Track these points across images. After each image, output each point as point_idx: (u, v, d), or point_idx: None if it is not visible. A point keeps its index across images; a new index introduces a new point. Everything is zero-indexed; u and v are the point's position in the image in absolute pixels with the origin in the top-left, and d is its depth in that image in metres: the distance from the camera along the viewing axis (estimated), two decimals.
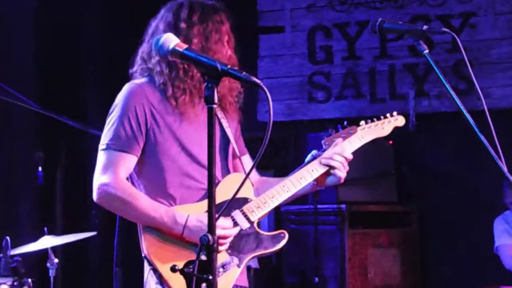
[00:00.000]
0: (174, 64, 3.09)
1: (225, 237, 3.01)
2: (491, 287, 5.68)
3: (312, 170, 3.21)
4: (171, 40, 2.54)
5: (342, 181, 3.22)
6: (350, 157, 3.23)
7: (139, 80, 3.17)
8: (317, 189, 3.29)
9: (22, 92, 4.54)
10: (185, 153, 3.11)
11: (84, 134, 4.66)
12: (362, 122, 3.38)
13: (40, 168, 5.55)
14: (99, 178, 3.05)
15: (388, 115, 3.46)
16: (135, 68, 3.23)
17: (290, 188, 3.18)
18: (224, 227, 3.02)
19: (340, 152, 3.21)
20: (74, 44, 6.86)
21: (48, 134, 6.30)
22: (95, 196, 3.06)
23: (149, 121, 3.08)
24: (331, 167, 3.20)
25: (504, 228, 6.01)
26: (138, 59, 3.22)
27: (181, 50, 2.53)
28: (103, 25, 7.04)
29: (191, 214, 2.99)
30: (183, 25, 3.10)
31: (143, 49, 3.22)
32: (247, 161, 3.34)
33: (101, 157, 3.07)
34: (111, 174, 3.03)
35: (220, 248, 3.00)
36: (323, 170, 3.21)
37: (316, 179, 3.23)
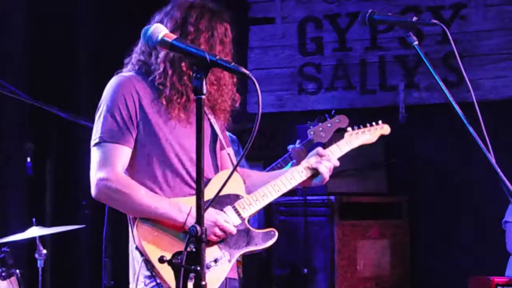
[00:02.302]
0: (178, 68, 3.06)
1: (225, 231, 3.04)
2: (479, 278, 5.68)
3: (302, 171, 3.27)
4: (160, 31, 2.53)
5: (326, 180, 3.32)
6: (337, 163, 3.33)
7: (127, 73, 3.15)
8: (300, 188, 3.42)
9: (12, 83, 4.52)
10: (175, 146, 3.10)
11: (74, 125, 4.65)
12: (349, 129, 3.50)
13: (29, 159, 5.54)
14: (97, 173, 3.02)
15: (374, 123, 3.59)
16: (132, 57, 3.19)
17: (281, 187, 3.23)
18: (227, 220, 3.06)
19: (329, 158, 3.30)
20: (66, 35, 6.82)
21: (38, 125, 6.27)
22: (94, 192, 3.03)
23: (139, 113, 3.07)
24: (318, 172, 3.28)
25: None
26: (138, 50, 3.18)
27: (170, 40, 2.52)
28: (95, 16, 7.01)
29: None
30: (191, 28, 3.08)
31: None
32: (231, 153, 3.35)
33: (96, 152, 3.05)
34: (108, 168, 3.01)
35: (215, 238, 3.03)
36: (310, 173, 3.29)
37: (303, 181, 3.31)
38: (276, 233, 3.20)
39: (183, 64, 3.05)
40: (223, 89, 3.18)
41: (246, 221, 3.14)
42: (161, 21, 3.08)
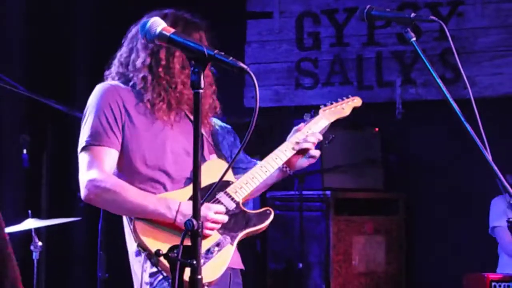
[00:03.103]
0: (157, 74, 3.13)
1: (217, 222, 3.05)
2: (474, 275, 5.70)
3: (285, 150, 3.30)
4: (158, 24, 2.53)
5: (317, 157, 3.33)
6: (320, 137, 3.35)
7: (111, 82, 3.21)
8: (289, 174, 3.38)
9: (9, 75, 4.52)
10: (163, 146, 3.14)
11: (70, 118, 4.65)
12: (322, 106, 3.53)
13: (25, 151, 5.53)
14: (86, 175, 3.05)
15: (344, 97, 3.62)
16: (111, 70, 3.25)
17: (268, 167, 3.25)
18: (218, 211, 3.05)
19: (309, 133, 3.33)
20: (63, 28, 6.82)
21: (34, 117, 6.27)
22: (83, 194, 3.05)
23: (124, 118, 3.11)
24: (304, 150, 3.30)
25: (503, 209, 5.94)
26: (116, 62, 3.25)
27: (168, 34, 2.52)
28: (93, 9, 7.01)
29: (183, 201, 3.01)
30: None
31: (121, 53, 3.25)
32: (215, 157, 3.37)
33: (83, 156, 3.09)
34: (96, 169, 3.03)
35: (210, 232, 3.04)
36: (293, 151, 3.31)
37: (288, 162, 3.31)
38: (272, 212, 3.23)
39: (160, 69, 3.13)
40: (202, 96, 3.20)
41: (240, 204, 3.17)
42: (136, 32, 3.13)
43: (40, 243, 4.87)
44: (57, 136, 6.65)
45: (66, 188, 6.51)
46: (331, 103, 3.54)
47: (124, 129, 3.10)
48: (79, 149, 3.10)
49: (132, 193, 3.03)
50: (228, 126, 4.97)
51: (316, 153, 3.32)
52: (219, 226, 3.06)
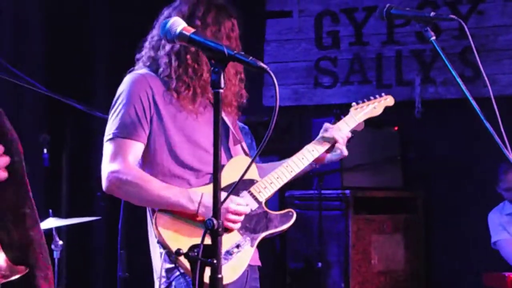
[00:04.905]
0: (184, 60, 3.11)
1: (239, 213, 3.04)
2: (492, 274, 5.68)
3: (313, 150, 3.29)
4: (179, 24, 2.54)
5: (345, 155, 3.32)
6: (349, 135, 3.35)
7: (141, 70, 3.18)
8: (316, 166, 3.36)
9: (29, 74, 4.54)
10: (189, 140, 3.13)
11: (90, 117, 4.67)
12: (354, 104, 3.49)
13: (45, 150, 5.56)
14: (108, 167, 3.04)
15: (377, 96, 3.58)
16: (142, 53, 3.24)
17: (294, 168, 3.24)
18: (239, 202, 3.05)
19: (340, 129, 3.34)
20: (83, 27, 6.86)
21: (54, 116, 6.31)
22: (105, 185, 3.05)
23: (152, 110, 3.09)
24: (334, 142, 3.30)
25: (499, 222, 5.98)
26: (147, 45, 3.23)
27: (188, 34, 2.52)
28: (112, 8, 7.03)
29: (205, 192, 3.00)
30: (198, 22, 3.11)
31: (153, 36, 3.23)
32: (244, 147, 3.39)
33: (108, 147, 3.07)
34: (120, 161, 3.03)
35: (234, 226, 3.04)
36: (323, 149, 3.31)
37: (316, 158, 3.31)
38: (294, 214, 3.22)
39: (188, 56, 3.10)
40: (227, 84, 3.19)
41: (263, 205, 3.16)
42: (169, 16, 3.12)
43: (61, 242, 4.90)
44: (76, 135, 6.69)
45: (86, 187, 6.55)
46: (363, 101, 3.51)
47: (152, 121, 3.09)
48: (105, 139, 3.09)
49: (154, 185, 3.02)
50: (246, 127, 4.99)
51: (344, 149, 3.31)
52: (241, 218, 3.05)
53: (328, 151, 3.32)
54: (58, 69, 6.43)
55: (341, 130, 3.35)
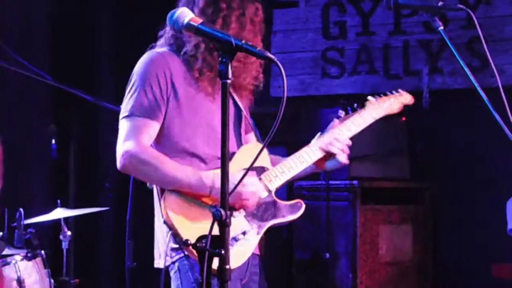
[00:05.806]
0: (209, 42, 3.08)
1: (254, 195, 3.03)
2: (501, 265, 5.67)
3: (316, 150, 3.26)
4: (186, 15, 2.54)
5: (344, 164, 3.27)
6: (348, 142, 3.28)
7: (160, 49, 3.16)
8: (318, 171, 3.34)
9: (36, 65, 4.55)
10: (203, 122, 3.12)
11: (97, 107, 4.68)
12: (370, 97, 3.47)
13: (53, 141, 5.57)
14: (123, 145, 3.03)
15: (393, 91, 3.54)
16: (165, 30, 3.19)
17: (306, 158, 3.22)
18: (254, 184, 3.03)
19: (338, 137, 3.27)
20: (88, 17, 6.86)
21: (61, 107, 6.31)
22: (119, 164, 3.04)
23: (169, 91, 3.08)
24: (331, 153, 3.25)
25: None
26: None
27: (196, 24, 2.52)
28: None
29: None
30: (223, 5, 3.10)
31: None
32: (253, 138, 3.37)
33: (124, 125, 3.06)
34: (134, 140, 3.01)
35: (247, 210, 3.04)
36: (320, 155, 3.26)
37: (316, 163, 3.27)
38: (303, 205, 3.21)
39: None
40: (248, 67, 3.19)
41: (273, 193, 3.15)
42: None
43: (69, 233, 4.92)
44: (84, 126, 6.70)
45: (94, 177, 6.57)
46: (380, 96, 3.48)
47: (168, 101, 3.08)
48: (121, 116, 3.08)
49: (168, 166, 3.01)
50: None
51: (343, 159, 3.25)
52: (254, 201, 3.04)
53: (328, 156, 3.28)
54: (64, 59, 6.43)
55: (350, 130, 3.31)
